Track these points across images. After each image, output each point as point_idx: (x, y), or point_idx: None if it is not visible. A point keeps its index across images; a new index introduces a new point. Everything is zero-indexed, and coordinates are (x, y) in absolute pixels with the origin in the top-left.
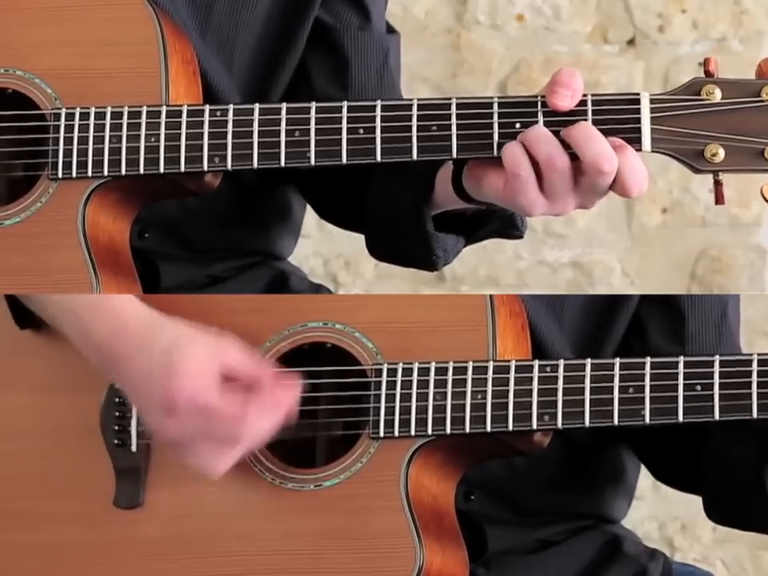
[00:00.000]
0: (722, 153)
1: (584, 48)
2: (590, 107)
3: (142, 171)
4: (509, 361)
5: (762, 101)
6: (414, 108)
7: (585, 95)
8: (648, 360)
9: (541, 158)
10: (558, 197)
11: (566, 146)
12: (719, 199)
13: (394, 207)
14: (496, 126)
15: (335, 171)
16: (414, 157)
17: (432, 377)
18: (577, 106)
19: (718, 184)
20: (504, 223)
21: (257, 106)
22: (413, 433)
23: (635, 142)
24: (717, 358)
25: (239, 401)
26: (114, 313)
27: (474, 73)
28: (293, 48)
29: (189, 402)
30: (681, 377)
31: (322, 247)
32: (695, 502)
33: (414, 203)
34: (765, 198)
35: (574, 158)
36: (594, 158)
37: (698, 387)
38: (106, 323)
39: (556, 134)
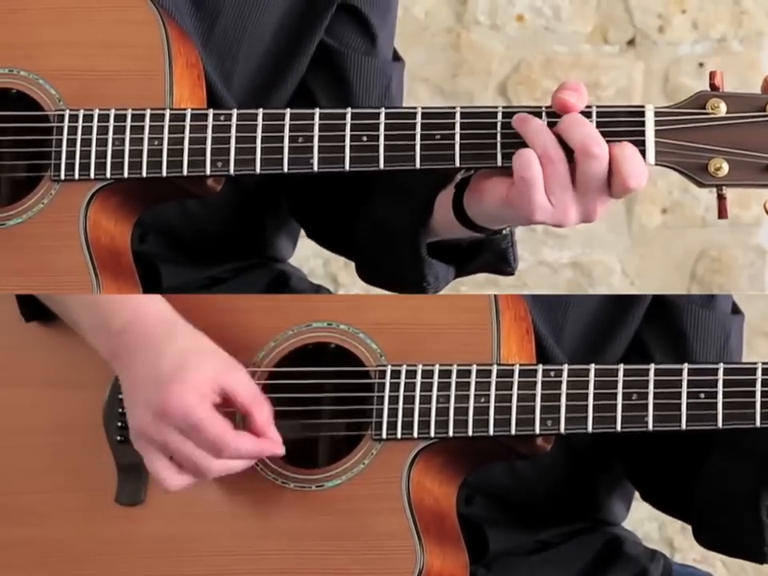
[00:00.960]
0: (725, 167)
1: (584, 48)
2: (594, 118)
3: (144, 174)
4: (513, 365)
5: (767, 115)
6: (418, 116)
7: (590, 106)
8: (652, 367)
9: (537, 151)
10: (556, 196)
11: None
12: (722, 213)
13: (390, 230)
14: (499, 135)
15: (330, 192)
16: (417, 165)
17: (435, 379)
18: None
19: (721, 198)
20: (496, 257)
21: (260, 111)
22: (415, 435)
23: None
24: (721, 366)
25: (228, 427)
26: (137, 304)
27: (474, 73)
28: (295, 66)
29: (181, 413)
30: (684, 384)
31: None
32: None
33: (410, 227)
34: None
35: (569, 159)
36: (581, 141)
37: (702, 395)
38: (128, 312)
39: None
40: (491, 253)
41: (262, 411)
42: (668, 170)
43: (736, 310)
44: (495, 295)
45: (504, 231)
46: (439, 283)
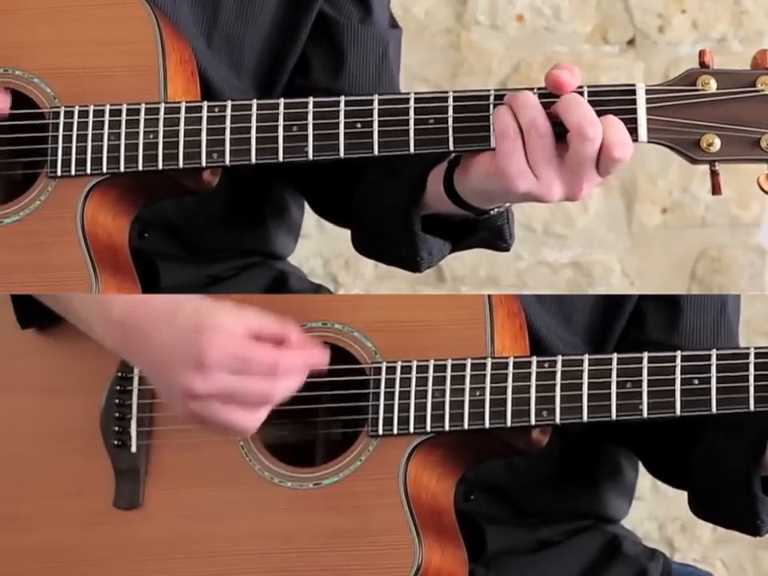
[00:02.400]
0: (717, 143)
1: (584, 48)
2: (585, 97)
3: (140, 168)
4: (507, 357)
5: (758, 90)
6: (411, 101)
7: (581, 86)
8: (645, 355)
9: (524, 123)
10: (540, 169)
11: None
12: (716, 189)
13: (383, 204)
14: (492, 118)
15: (331, 167)
16: (412, 150)
17: (431, 374)
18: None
19: (714, 174)
20: (492, 234)
21: (254, 101)
22: (411, 430)
23: (631, 132)
24: (714, 352)
25: (272, 349)
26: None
27: (474, 73)
28: (298, 40)
29: (221, 352)
30: (678, 371)
31: (322, 247)
32: None
33: (403, 202)
34: (761, 189)
35: (560, 136)
36: (577, 122)
37: (696, 381)
38: (126, 300)
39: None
40: (486, 230)
41: (293, 330)
42: (668, 170)
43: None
44: (489, 294)
45: (492, 212)
46: (433, 258)
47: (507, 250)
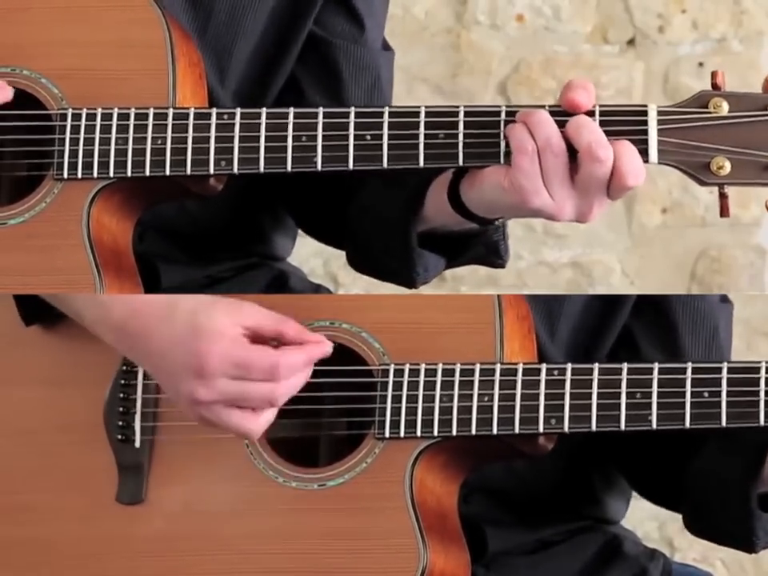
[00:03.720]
0: (728, 166)
1: (584, 48)
2: (597, 117)
3: (147, 173)
4: (516, 363)
5: None
6: (422, 115)
7: (594, 106)
8: (656, 365)
9: (540, 141)
10: (555, 187)
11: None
12: (724, 212)
13: (381, 217)
14: (503, 134)
15: (317, 183)
16: (421, 164)
17: (439, 378)
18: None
19: (723, 197)
20: (488, 249)
21: (264, 110)
22: (419, 434)
23: (642, 153)
24: (725, 364)
25: (271, 351)
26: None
27: (474, 73)
28: (287, 59)
29: (221, 359)
30: (689, 383)
31: (322, 247)
32: None
33: (401, 214)
34: None
35: (573, 157)
36: (588, 144)
37: (706, 394)
38: (124, 302)
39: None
40: (482, 245)
41: (290, 325)
42: (668, 169)
43: (725, 299)
44: (498, 295)
45: (496, 222)
46: (428, 274)
47: (502, 266)
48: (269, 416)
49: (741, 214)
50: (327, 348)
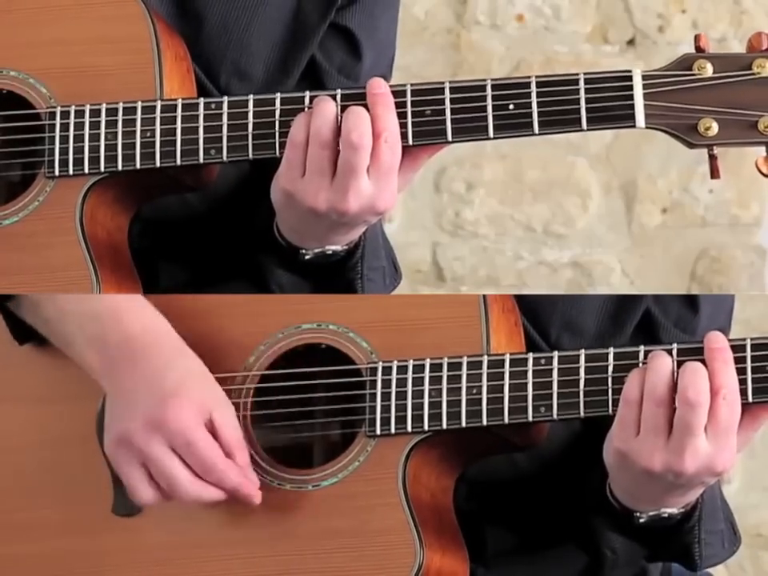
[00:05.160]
0: (715, 127)
1: (584, 48)
2: (582, 86)
3: (138, 166)
4: (503, 354)
5: (754, 73)
6: (408, 93)
7: (577, 73)
8: (642, 348)
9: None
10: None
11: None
12: (714, 173)
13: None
14: (490, 108)
15: None
16: (410, 142)
17: (427, 373)
18: (569, 84)
19: (712, 158)
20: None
21: (251, 97)
22: (409, 429)
23: (629, 118)
24: (708, 336)
25: (219, 456)
26: (141, 316)
27: (474, 73)
28: (288, 80)
29: (179, 427)
30: (674, 365)
31: None
32: None
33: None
34: (759, 171)
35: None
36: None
37: None
38: (133, 325)
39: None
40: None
41: (244, 455)
42: (668, 169)
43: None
44: (483, 294)
45: (302, 251)
46: None
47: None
48: (157, 498)
49: (741, 213)
50: (257, 499)
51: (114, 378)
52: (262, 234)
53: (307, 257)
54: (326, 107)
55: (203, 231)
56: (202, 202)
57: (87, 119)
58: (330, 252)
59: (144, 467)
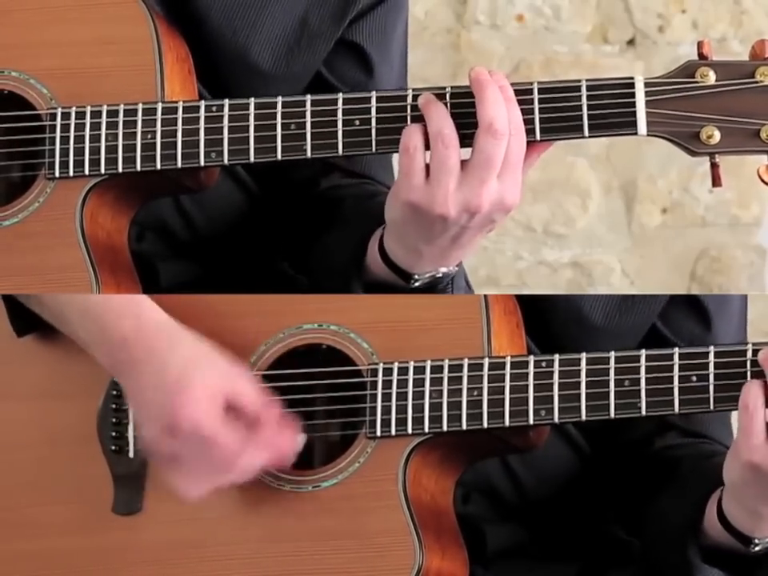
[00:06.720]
0: (717, 135)
1: (584, 48)
2: (584, 92)
3: (138, 168)
4: (504, 357)
5: (756, 82)
6: (409, 98)
7: (579, 80)
8: (643, 352)
9: (431, 132)
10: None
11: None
12: (716, 181)
13: (332, 258)
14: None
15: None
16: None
17: (428, 375)
18: (572, 91)
19: (714, 166)
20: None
21: (252, 100)
22: (410, 431)
23: (631, 125)
24: (712, 349)
25: (240, 436)
26: (136, 314)
27: None
28: (292, 82)
29: (192, 427)
30: (676, 368)
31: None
32: None
33: (347, 259)
34: (762, 180)
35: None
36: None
37: (694, 378)
38: (128, 324)
39: None
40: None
41: (271, 414)
42: (668, 169)
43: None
44: (484, 294)
45: (416, 276)
46: None
47: None
48: (205, 490)
49: (741, 214)
50: (289, 461)
51: (126, 380)
52: (348, 267)
53: (417, 284)
54: (439, 107)
55: (198, 234)
56: (196, 204)
57: (88, 120)
58: (441, 275)
59: (176, 467)
